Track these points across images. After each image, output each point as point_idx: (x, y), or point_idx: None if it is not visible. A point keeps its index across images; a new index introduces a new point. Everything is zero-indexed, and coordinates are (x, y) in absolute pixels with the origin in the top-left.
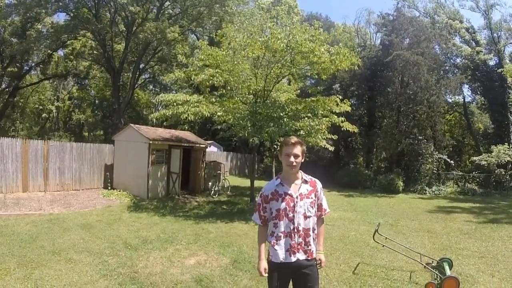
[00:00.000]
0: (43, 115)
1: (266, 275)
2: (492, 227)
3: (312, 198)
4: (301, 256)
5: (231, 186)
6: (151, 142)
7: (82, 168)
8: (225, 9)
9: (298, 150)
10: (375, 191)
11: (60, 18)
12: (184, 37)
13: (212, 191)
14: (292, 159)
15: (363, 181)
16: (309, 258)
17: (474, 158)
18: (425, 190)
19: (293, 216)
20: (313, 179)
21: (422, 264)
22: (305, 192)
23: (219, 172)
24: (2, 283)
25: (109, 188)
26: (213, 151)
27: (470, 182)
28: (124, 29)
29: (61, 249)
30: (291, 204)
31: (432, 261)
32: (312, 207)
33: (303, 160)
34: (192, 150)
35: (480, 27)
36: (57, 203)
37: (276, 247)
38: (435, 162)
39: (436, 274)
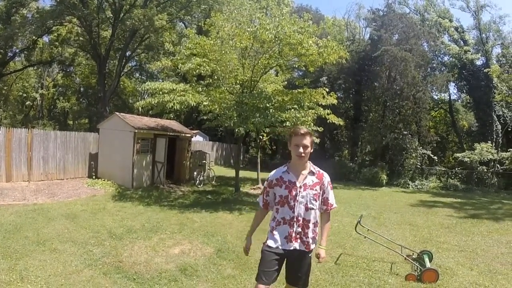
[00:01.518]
0: (27, 103)
1: (248, 255)
2: (473, 222)
3: (316, 190)
4: (298, 245)
5: (216, 176)
6: (136, 131)
7: (67, 157)
8: None
9: (307, 141)
10: (359, 183)
11: (46, 3)
12: (172, 25)
13: (197, 181)
14: (301, 149)
15: (347, 173)
16: (305, 250)
17: (457, 154)
18: (408, 184)
19: (294, 205)
20: (321, 171)
21: (403, 256)
22: (309, 183)
23: (204, 162)
24: None
25: (94, 177)
26: (198, 140)
27: (453, 178)
28: (111, 15)
29: (45, 239)
30: (293, 193)
31: (413, 253)
32: (315, 199)
33: (311, 150)
34: (178, 139)
35: (469, 27)
36: (41, 193)
37: (274, 232)
38: (419, 157)
39: (417, 266)
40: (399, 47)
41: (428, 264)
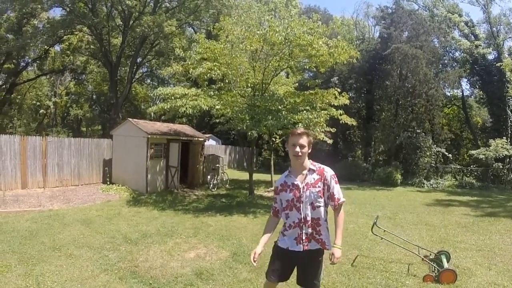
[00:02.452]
0: (41, 111)
1: (255, 263)
2: (490, 220)
3: (319, 187)
4: (312, 246)
5: (229, 179)
6: (149, 136)
7: (81, 163)
8: (223, 1)
9: (304, 140)
10: (373, 184)
11: (56, 13)
12: (181, 31)
13: (211, 185)
14: (298, 149)
15: (361, 174)
16: (321, 248)
17: (472, 151)
18: (423, 183)
19: (300, 206)
20: (322, 166)
21: (420, 257)
22: (311, 182)
23: (217, 165)
24: (4, 280)
25: (108, 183)
26: (211, 144)
27: (468, 175)
28: (121, 23)
29: (61, 244)
30: (298, 195)
31: (430, 254)
32: (320, 196)
33: (309, 151)
34: (191, 143)
35: (479, 21)
36: (56, 199)
37: (285, 232)
38: (433, 155)
39: (434, 267)
40: (410, 44)
41: (445, 265)
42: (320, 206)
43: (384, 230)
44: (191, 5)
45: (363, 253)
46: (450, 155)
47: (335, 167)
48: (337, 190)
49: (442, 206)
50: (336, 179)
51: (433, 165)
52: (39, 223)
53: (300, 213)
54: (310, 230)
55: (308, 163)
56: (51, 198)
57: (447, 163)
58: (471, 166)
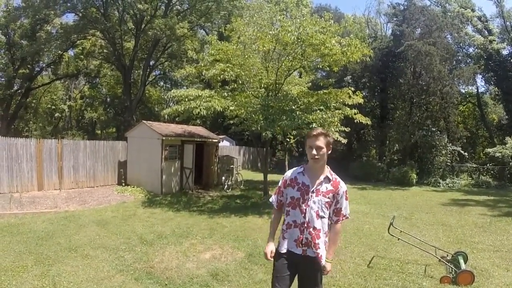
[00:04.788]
0: (56, 114)
1: (271, 259)
2: (507, 220)
3: (329, 198)
4: (310, 252)
5: (244, 180)
6: (164, 138)
7: (96, 165)
8: (234, 3)
9: (321, 142)
10: (389, 183)
11: (69, 18)
12: (193, 33)
13: (226, 186)
14: (314, 151)
15: (376, 173)
16: (316, 257)
17: (488, 150)
18: (439, 183)
19: (305, 209)
20: (338, 179)
21: (437, 258)
22: (323, 190)
23: (232, 166)
24: (20, 280)
25: (123, 184)
26: (225, 145)
27: (484, 174)
28: (133, 27)
29: (77, 245)
30: (305, 196)
31: (447, 255)
32: (327, 208)
33: (329, 152)
34: (205, 145)
35: (493, 16)
36: (72, 201)
37: (285, 235)
38: (449, 154)
39: (451, 268)
40: (423, 41)
41: (463, 266)
42: (324, 217)
43: (401, 231)
44: (202, 7)
45: (379, 254)
46: (466, 154)
47: (350, 167)
48: (345, 206)
49: (458, 206)
50: (347, 195)
51: (449, 164)
52: (55, 224)
53: (304, 217)
54: (310, 237)
55: (327, 170)
56: (67, 200)
57: (463, 162)
58: (488, 165)
